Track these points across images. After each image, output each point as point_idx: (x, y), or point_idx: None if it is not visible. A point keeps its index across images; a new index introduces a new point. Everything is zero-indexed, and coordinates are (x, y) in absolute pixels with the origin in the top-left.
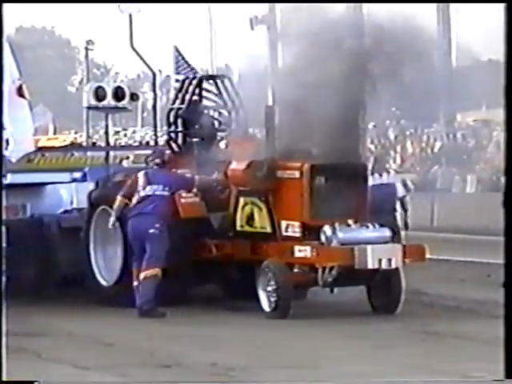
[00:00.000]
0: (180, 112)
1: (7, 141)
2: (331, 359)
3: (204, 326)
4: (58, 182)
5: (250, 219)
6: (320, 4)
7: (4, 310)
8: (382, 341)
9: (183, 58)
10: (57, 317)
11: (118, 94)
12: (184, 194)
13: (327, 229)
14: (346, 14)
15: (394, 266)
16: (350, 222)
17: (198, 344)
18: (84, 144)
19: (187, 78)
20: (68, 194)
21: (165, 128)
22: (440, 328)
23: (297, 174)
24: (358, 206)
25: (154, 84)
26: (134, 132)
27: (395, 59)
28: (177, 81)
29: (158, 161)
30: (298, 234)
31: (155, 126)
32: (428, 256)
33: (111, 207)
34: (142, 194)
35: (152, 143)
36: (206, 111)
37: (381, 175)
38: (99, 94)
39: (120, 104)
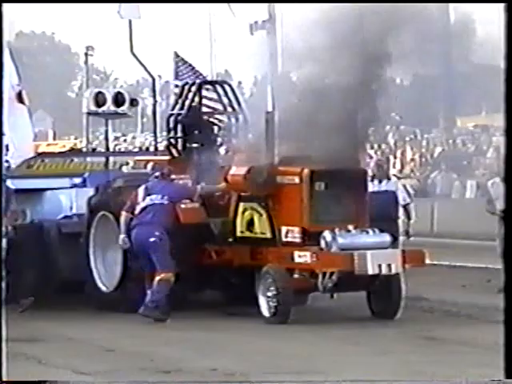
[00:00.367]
0: (180, 118)
1: (7, 146)
2: (331, 365)
3: (204, 332)
4: (57, 188)
5: (250, 225)
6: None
7: (4, 315)
8: (382, 346)
9: (185, 63)
10: (57, 322)
11: (118, 99)
12: (184, 200)
13: (327, 234)
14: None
15: (393, 271)
16: (350, 227)
17: (198, 349)
18: (84, 149)
19: (187, 83)
20: (68, 200)
21: (164, 134)
22: (440, 333)
23: (297, 180)
24: (357, 212)
25: (153, 89)
26: (133, 138)
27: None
28: (176, 86)
29: (157, 174)
30: (297, 240)
31: (155, 132)
32: (428, 261)
33: (111, 213)
34: (142, 205)
35: (152, 149)
36: (205, 117)
37: (381, 181)
38: (99, 99)
39: (120, 110)
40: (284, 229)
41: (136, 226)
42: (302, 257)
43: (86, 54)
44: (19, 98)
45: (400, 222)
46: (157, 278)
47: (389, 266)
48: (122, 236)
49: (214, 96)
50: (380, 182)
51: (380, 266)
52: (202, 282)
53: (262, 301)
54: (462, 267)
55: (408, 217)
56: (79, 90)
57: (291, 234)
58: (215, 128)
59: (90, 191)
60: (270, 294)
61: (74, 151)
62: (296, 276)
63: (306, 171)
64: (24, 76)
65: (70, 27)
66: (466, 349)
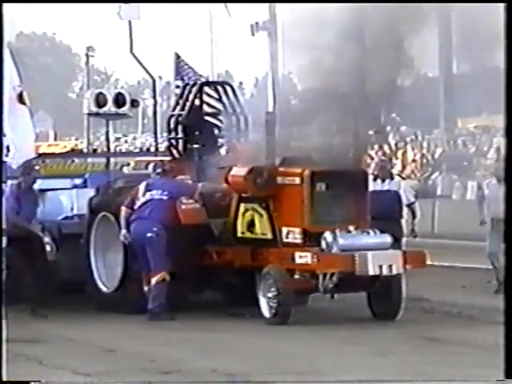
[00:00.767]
0: (181, 118)
1: (8, 147)
2: (331, 365)
3: (204, 332)
4: (58, 189)
5: (250, 225)
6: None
7: (4, 316)
8: (383, 347)
9: (186, 64)
10: (57, 323)
11: (119, 100)
12: (185, 201)
13: (328, 235)
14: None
15: (394, 272)
16: (351, 228)
17: (199, 350)
18: (85, 150)
19: (188, 84)
20: (68, 201)
21: (165, 134)
22: (441, 334)
23: (297, 181)
24: (358, 213)
25: (154, 90)
26: (134, 138)
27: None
28: (177, 87)
29: (159, 170)
30: (298, 241)
31: (156, 133)
32: (429, 262)
33: (112, 213)
34: (142, 200)
35: (152, 150)
36: (206, 117)
37: (384, 181)
38: (100, 100)
39: (120, 110)
40: (285, 229)
41: (134, 220)
42: (303, 257)
43: (87, 55)
44: (20, 98)
45: (404, 221)
46: (153, 281)
47: (390, 266)
48: (123, 231)
49: (215, 96)
50: (383, 181)
51: (381, 266)
52: (202, 283)
53: (263, 301)
54: (462, 268)
55: (413, 216)
56: (80, 91)
57: (292, 234)
58: (216, 129)
59: (91, 192)
60: (270, 294)
61: (74, 152)
62: (297, 277)
63: (306, 172)
64: (25, 77)
65: (71, 28)
66: (467, 349)
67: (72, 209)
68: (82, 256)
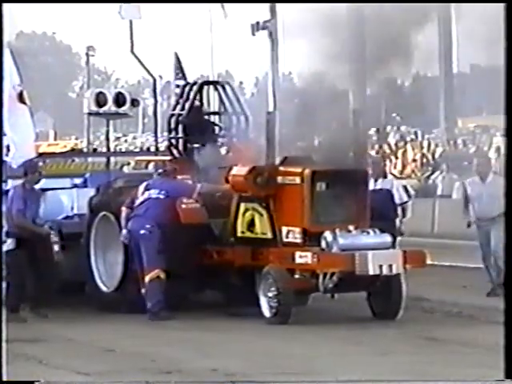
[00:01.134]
0: (181, 118)
1: (8, 147)
2: (331, 365)
3: (205, 332)
4: (58, 188)
5: (250, 225)
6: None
7: (4, 316)
8: (383, 347)
9: (180, 66)
10: (57, 322)
11: (119, 99)
12: (185, 200)
13: (328, 235)
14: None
15: (394, 271)
16: (351, 227)
17: (199, 350)
18: (85, 150)
19: (188, 83)
20: (69, 200)
21: (165, 134)
22: (441, 334)
23: (298, 180)
24: (358, 212)
25: (154, 90)
26: (134, 138)
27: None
28: (177, 86)
29: (160, 171)
30: (298, 240)
31: (156, 132)
32: (429, 262)
33: (112, 213)
34: (141, 199)
35: (153, 149)
36: (206, 117)
37: (376, 180)
38: (100, 99)
39: (121, 110)
40: (285, 229)
41: (131, 218)
42: (303, 257)
43: (87, 55)
44: (20, 98)
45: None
46: (146, 279)
47: (390, 266)
48: (123, 231)
49: (216, 96)
50: (376, 180)
51: (381, 266)
52: (202, 283)
53: (263, 301)
54: (462, 268)
55: (403, 215)
56: (80, 91)
57: (292, 234)
58: (216, 128)
59: (91, 191)
60: (270, 294)
61: (74, 151)
62: (297, 276)
63: (307, 171)
64: (25, 76)
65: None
66: (467, 349)
67: (72, 208)
68: (82, 256)
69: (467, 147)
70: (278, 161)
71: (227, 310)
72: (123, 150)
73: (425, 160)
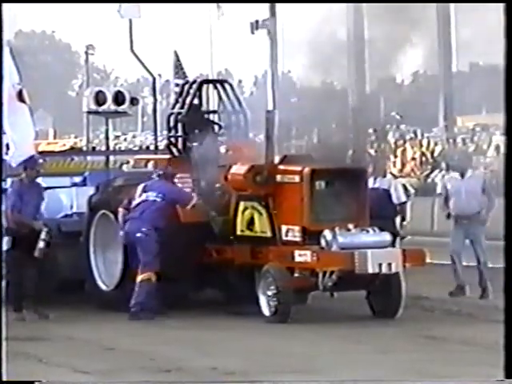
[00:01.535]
0: (180, 116)
1: (7, 145)
2: (331, 363)
3: (204, 331)
4: (58, 187)
5: (250, 224)
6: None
7: (4, 314)
8: (383, 345)
9: (180, 64)
10: (57, 321)
11: (118, 98)
12: None
13: (327, 233)
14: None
15: (394, 270)
16: (350, 226)
17: (199, 348)
18: (84, 148)
19: (187, 82)
20: (68, 199)
21: (165, 132)
22: (440, 332)
23: (297, 179)
24: (358, 211)
25: (153, 88)
26: (134, 136)
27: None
28: (177, 85)
29: (160, 172)
30: (298, 239)
31: (155, 131)
32: (428, 260)
33: (111, 211)
34: (137, 201)
35: (152, 148)
36: (206, 116)
37: (375, 179)
38: (99, 98)
39: (120, 108)
40: (284, 228)
41: (127, 220)
42: (303, 256)
43: (87, 53)
44: (20, 96)
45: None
46: (138, 279)
47: (389, 265)
48: (120, 233)
49: (215, 95)
50: (375, 179)
51: (380, 265)
52: (202, 281)
53: (262, 300)
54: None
55: (402, 217)
56: (79, 89)
57: (291, 232)
58: (215, 127)
59: (91, 190)
60: (270, 293)
61: (74, 150)
62: (296, 275)
63: (306, 170)
64: (24, 75)
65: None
66: (466, 348)
67: (71, 207)
68: (82, 254)
69: (466, 146)
70: (277, 159)
71: (227, 309)
72: (122, 148)
73: (424, 159)
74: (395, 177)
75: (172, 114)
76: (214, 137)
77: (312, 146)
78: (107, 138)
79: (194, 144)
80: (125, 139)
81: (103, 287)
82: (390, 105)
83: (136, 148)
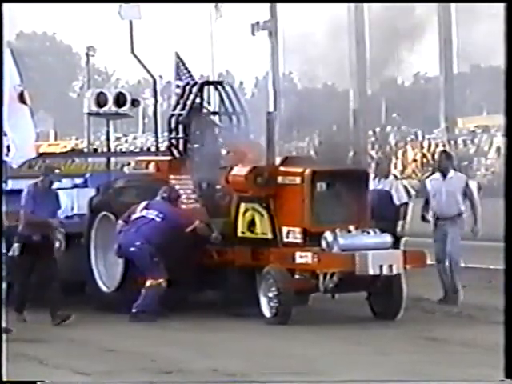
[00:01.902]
0: (181, 118)
1: (8, 147)
2: (332, 365)
3: (205, 332)
4: (59, 188)
5: (251, 225)
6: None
7: (4, 316)
8: (383, 347)
9: (184, 64)
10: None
11: (119, 100)
12: (185, 201)
13: (328, 235)
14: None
15: (395, 272)
16: (351, 228)
17: (199, 350)
18: (85, 150)
19: (188, 83)
20: (69, 200)
21: (166, 134)
22: (441, 334)
23: (298, 180)
24: (359, 212)
25: (154, 90)
26: (135, 138)
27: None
28: (178, 87)
29: (164, 195)
30: (299, 240)
31: (156, 132)
32: (429, 262)
33: (112, 213)
34: (137, 215)
35: (153, 149)
36: (207, 117)
37: (378, 180)
38: (100, 100)
39: (121, 110)
40: (285, 229)
41: (121, 232)
42: (303, 257)
43: (88, 55)
44: (21, 98)
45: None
46: (147, 284)
47: (390, 266)
48: (115, 245)
49: (216, 96)
50: (378, 180)
51: (381, 266)
52: (202, 283)
53: (263, 301)
54: (462, 268)
55: (403, 217)
56: (80, 91)
57: (292, 234)
58: (216, 128)
59: (92, 191)
60: (271, 294)
61: (75, 152)
62: (297, 276)
63: (307, 171)
64: (25, 76)
65: (71, 28)
66: (467, 349)
67: (72, 208)
68: (83, 256)
69: (467, 147)
70: (278, 161)
71: (227, 310)
72: (123, 150)
73: (425, 160)
74: (397, 178)
75: (173, 115)
76: (215, 138)
77: (313, 147)
78: (108, 139)
79: (195, 145)
80: (126, 141)
81: (104, 289)
82: (390, 106)
83: (137, 150)
